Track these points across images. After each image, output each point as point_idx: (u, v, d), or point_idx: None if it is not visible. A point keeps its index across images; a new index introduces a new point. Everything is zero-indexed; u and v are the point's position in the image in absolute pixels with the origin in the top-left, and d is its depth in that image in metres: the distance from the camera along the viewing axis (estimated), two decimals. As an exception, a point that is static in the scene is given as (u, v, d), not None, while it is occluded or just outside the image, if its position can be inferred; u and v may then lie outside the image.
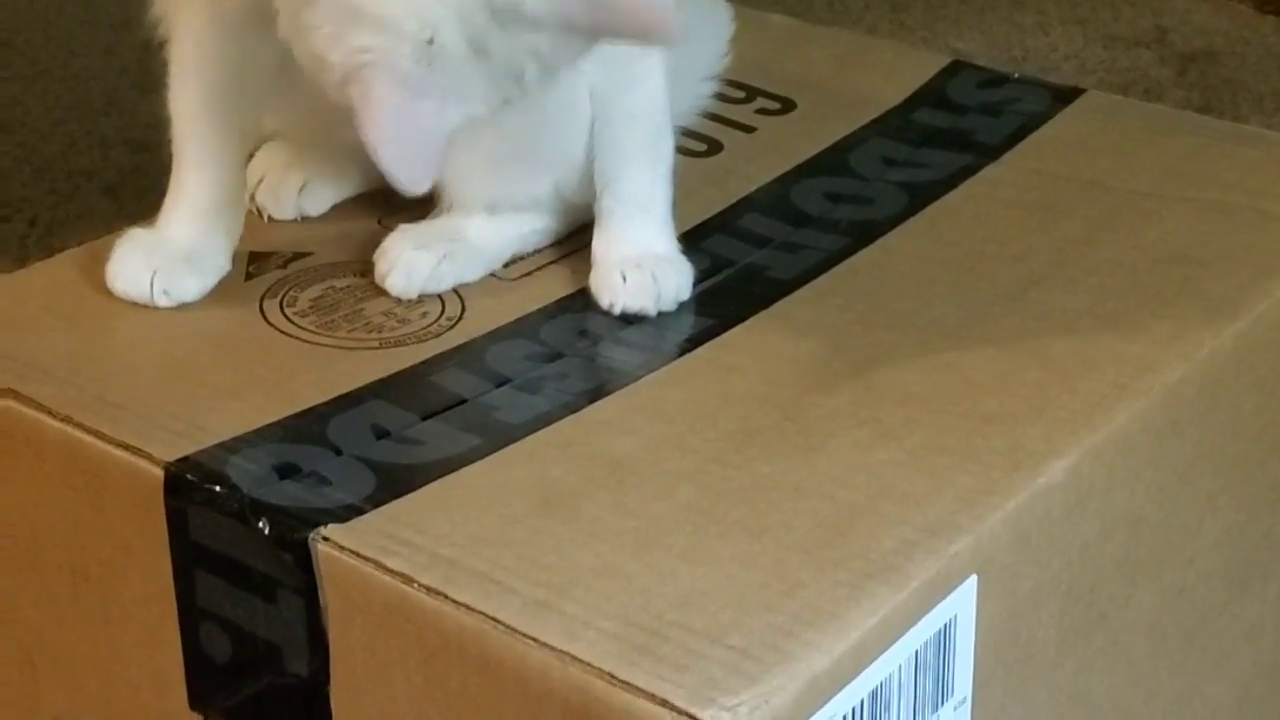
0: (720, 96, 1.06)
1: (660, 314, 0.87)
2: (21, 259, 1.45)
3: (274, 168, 0.96)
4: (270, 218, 0.96)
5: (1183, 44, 1.89)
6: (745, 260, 0.92)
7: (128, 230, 0.90)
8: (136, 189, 1.55)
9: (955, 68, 1.12)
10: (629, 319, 0.87)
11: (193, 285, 0.88)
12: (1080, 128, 1.05)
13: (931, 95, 1.08)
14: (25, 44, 1.87)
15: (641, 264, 0.88)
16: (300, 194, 0.96)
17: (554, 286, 0.90)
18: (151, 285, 0.88)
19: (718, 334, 0.86)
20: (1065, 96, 1.08)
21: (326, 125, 0.94)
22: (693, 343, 0.85)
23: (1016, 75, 1.11)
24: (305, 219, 0.96)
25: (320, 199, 0.96)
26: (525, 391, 0.82)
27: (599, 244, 0.89)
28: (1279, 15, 1.94)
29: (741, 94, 1.08)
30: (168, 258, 0.88)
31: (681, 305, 0.88)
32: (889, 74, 1.11)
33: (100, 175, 1.61)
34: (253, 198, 0.96)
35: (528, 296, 0.89)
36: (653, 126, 0.90)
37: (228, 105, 0.89)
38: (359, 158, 0.94)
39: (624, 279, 0.87)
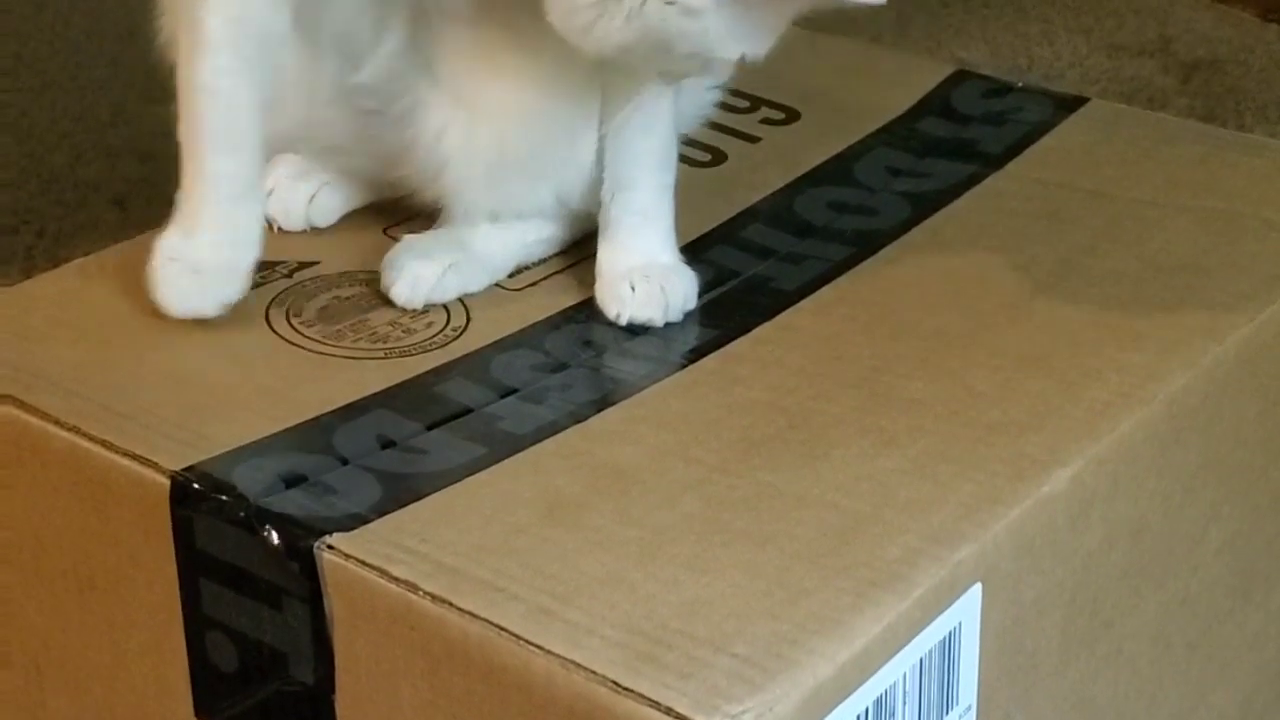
0: (725, 106, 1.06)
1: (665, 325, 0.88)
2: (28, 270, 1.45)
3: (282, 180, 0.96)
4: (280, 229, 0.96)
5: (1186, 53, 1.89)
6: (749, 271, 0.92)
7: (158, 253, 0.87)
8: (144, 199, 1.55)
9: (959, 77, 1.12)
10: (634, 330, 0.87)
11: (238, 289, 0.87)
12: (1084, 137, 1.05)
13: (936, 104, 1.08)
14: (32, 55, 1.87)
15: (649, 275, 0.88)
16: (309, 205, 0.96)
17: (559, 296, 0.90)
18: (206, 301, 0.87)
19: (722, 345, 0.86)
20: (1069, 105, 1.08)
21: (342, 136, 0.94)
22: (696, 353, 0.86)
23: (1020, 84, 1.11)
24: (313, 229, 0.97)
25: (329, 210, 0.97)
26: (530, 402, 0.82)
27: (604, 254, 0.90)
28: (1283, 24, 1.94)
29: (746, 103, 1.08)
30: (213, 271, 0.87)
31: (686, 316, 0.88)
32: (893, 83, 1.11)
33: (107, 186, 1.61)
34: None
35: (532, 307, 0.89)
36: (663, 136, 0.90)
37: (254, 113, 0.88)
38: (368, 169, 0.95)
39: (632, 289, 0.88)
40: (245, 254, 0.88)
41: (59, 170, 1.64)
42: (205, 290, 0.87)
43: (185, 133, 0.87)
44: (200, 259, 0.87)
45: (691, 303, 0.89)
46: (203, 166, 0.87)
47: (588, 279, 0.90)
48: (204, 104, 0.87)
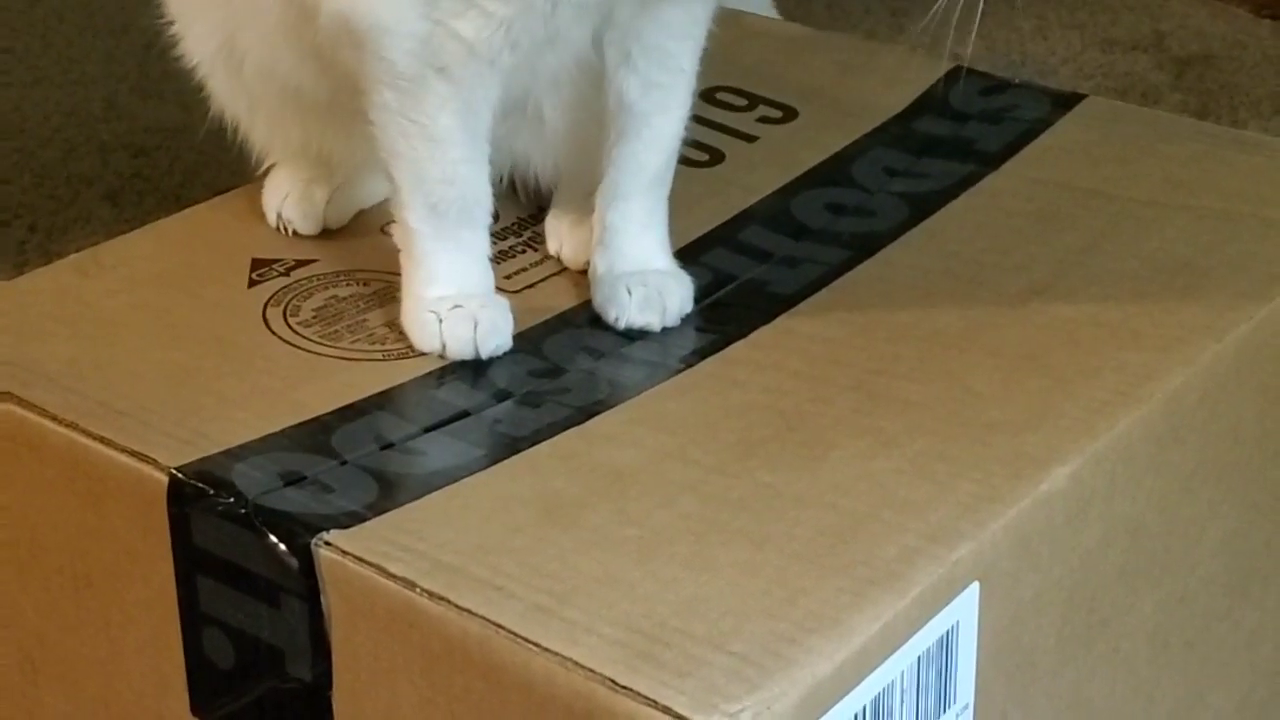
0: (722, 104, 1.06)
1: (662, 329, 0.87)
2: (20, 264, 1.45)
3: (297, 184, 0.96)
4: (295, 232, 0.96)
5: (1180, 48, 1.89)
6: (746, 275, 0.92)
7: (437, 310, 0.86)
8: (136, 194, 1.54)
9: (957, 73, 1.11)
10: (631, 334, 0.87)
11: (505, 320, 0.87)
12: (1081, 135, 1.05)
13: (933, 102, 1.08)
14: (25, 50, 1.87)
15: (646, 280, 0.88)
16: (326, 207, 0.96)
17: (555, 299, 0.90)
18: (476, 341, 0.86)
19: (719, 349, 0.86)
20: (1066, 102, 1.08)
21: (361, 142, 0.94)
22: (694, 357, 0.85)
23: (1017, 81, 1.11)
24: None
25: (344, 211, 0.97)
26: (527, 405, 0.82)
27: (600, 259, 0.89)
28: (1276, 19, 1.94)
29: (744, 102, 1.08)
30: (482, 312, 0.87)
31: (683, 320, 0.88)
32: (891, 81, 1.11)
33: (100, 181, 1.60)
34: (279, 214, 0.96)
35: (529, 310, 0.89)
36: (672, 151, 0.90)
37: (486, 184, 0.88)
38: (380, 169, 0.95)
39: (629, 294, 0.88)
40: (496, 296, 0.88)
41: (51, 165, 1.64)
42: (474, 331, 0.86)
43: (417, 215, 0.87)
44: (474, 307, 0.86)
45: (688, 308, 0.88)
46: (461, 235, 0.87)
47: (584, 282, 0.90)
48: (440, 192, 0.86)
